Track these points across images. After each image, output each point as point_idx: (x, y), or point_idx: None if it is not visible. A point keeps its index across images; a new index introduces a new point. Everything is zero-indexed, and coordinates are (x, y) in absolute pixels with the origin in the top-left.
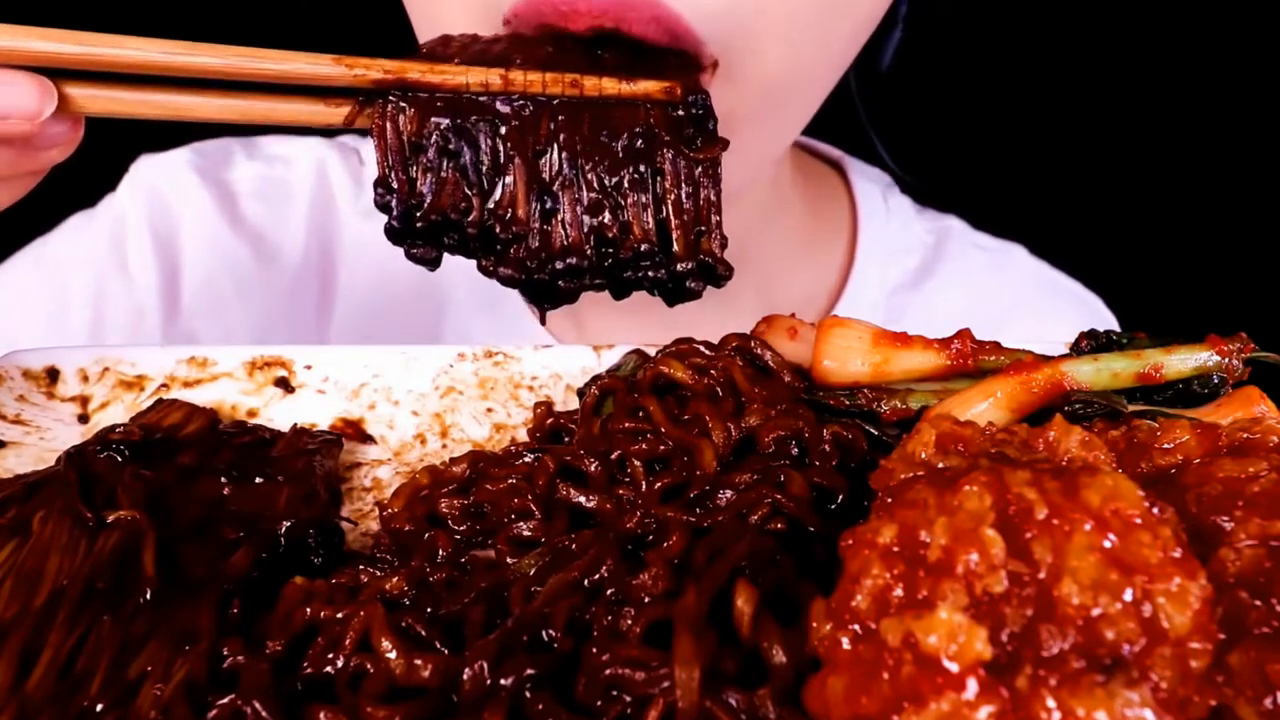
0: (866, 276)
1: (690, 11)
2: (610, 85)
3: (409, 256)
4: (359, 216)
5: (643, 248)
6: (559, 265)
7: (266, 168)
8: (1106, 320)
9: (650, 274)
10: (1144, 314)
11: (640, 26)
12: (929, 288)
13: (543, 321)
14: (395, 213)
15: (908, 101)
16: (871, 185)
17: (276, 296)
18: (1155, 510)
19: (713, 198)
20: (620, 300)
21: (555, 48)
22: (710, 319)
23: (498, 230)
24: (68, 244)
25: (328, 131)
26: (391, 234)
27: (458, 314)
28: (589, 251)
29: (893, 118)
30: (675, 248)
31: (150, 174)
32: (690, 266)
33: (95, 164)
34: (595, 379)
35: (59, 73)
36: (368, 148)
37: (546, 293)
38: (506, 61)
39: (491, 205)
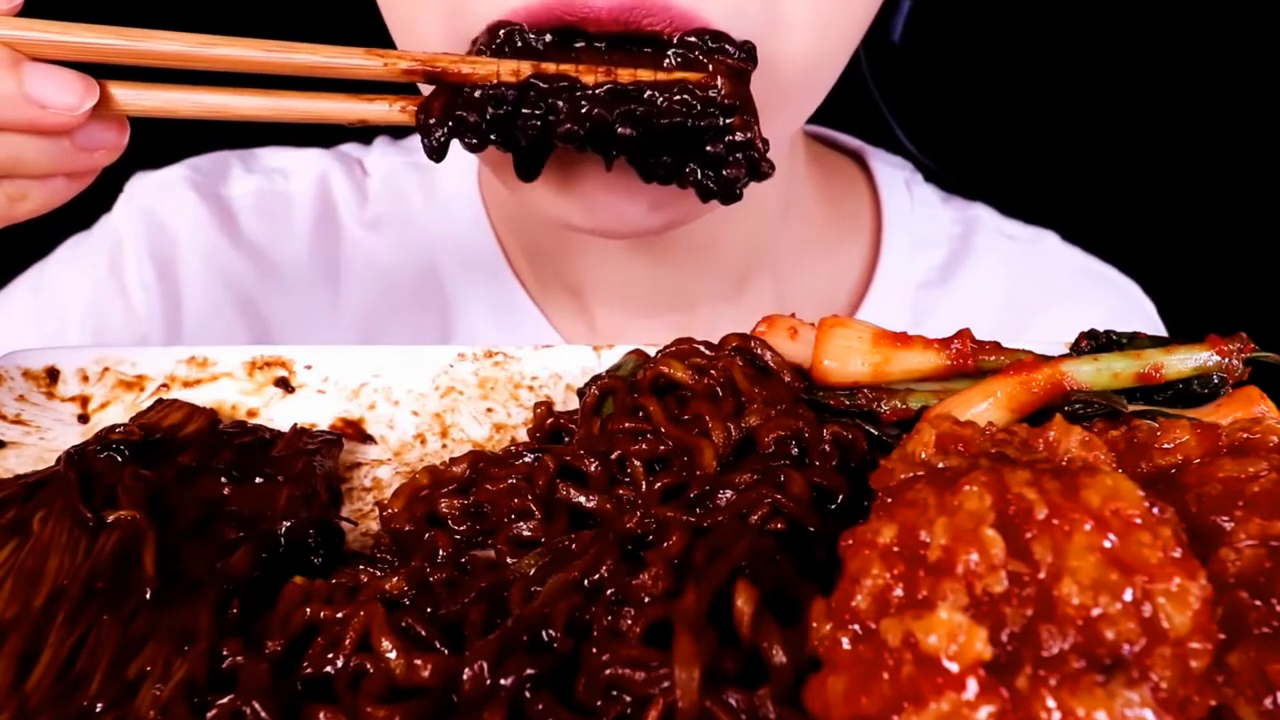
0: (892, 271)
1: (706, 9)
2: (645, 74)
3: (460, 137)
4: (363, 228)
5: (725, 100)
6: (628, 108)
7: (266, 181)
8: (1144, 308)
9: (722, 137)
10: (1182, 298)
11: (654, 25)
12: (958, 281)
13: (608, 166)
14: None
15: (923, 78)
16: (894, 174)
17: (280, 314)
18: (1155, 510)
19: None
20: (652, 171)
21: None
22: (728, 319)
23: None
24: (65, 270)
25: (331, 141)
26: (431, 148)
27: (465, 321)
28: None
29: (908, 96)
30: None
31: (145, 193)
32: (758, 146)
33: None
34: (595, 379)
35: (101, 75)
36: (370, 157)
37: (607, 141)
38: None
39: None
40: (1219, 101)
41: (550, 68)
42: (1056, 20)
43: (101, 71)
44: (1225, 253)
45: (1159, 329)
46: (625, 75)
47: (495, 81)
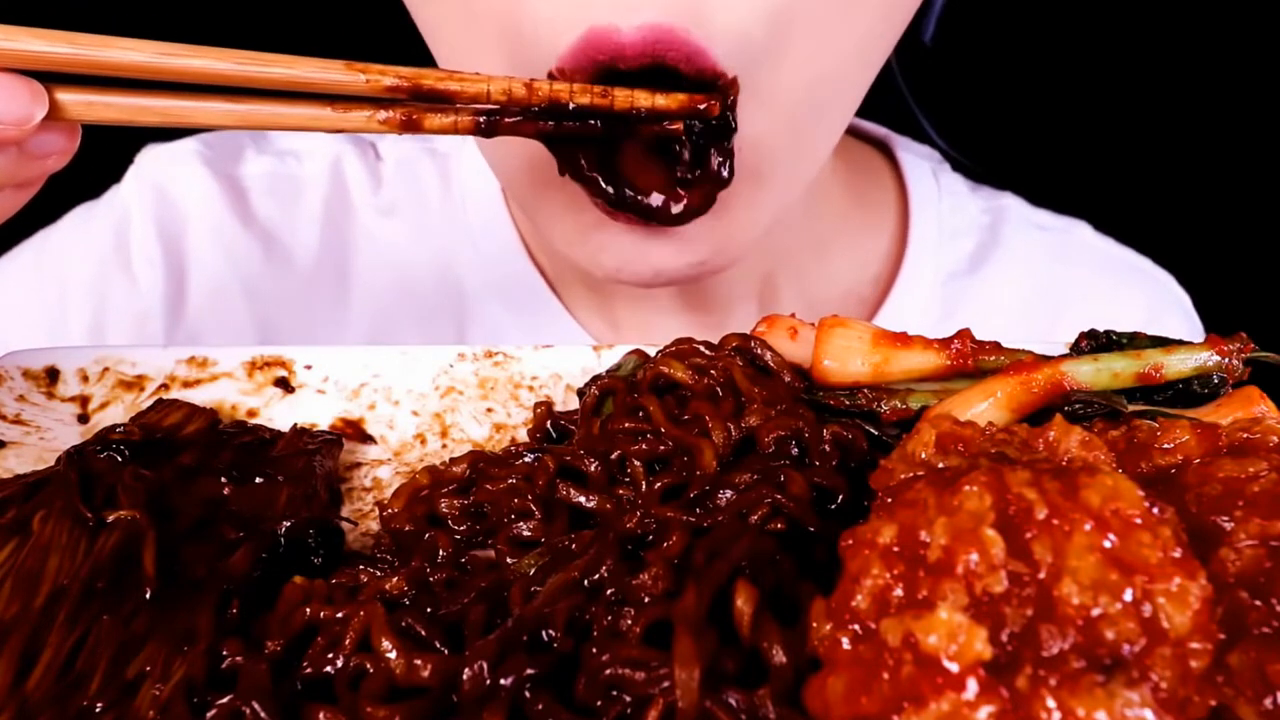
0: (920, 262)
1: (716, 45)
2: (643, 98)
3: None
4: (377, 214)
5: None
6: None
7: (277, 163)
8: (1179, 299)
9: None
10: (1218, 290)
11: (674, 60)
12: (987, 272)
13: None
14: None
15: (954, 74)
16: (921, 165)
17: (288, 299)
18: (1155, 510)
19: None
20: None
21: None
22: (751, 316)
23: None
24: (69, 240)
25: None
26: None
27: (482, 310)
28: None
29: (939, 92)
30: None
31: (156, 166)
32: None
33: (101, 148)
34: (595, 379)
35: (51, 77)
36: (385, 142)
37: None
38: None
39: None
40: (1247, 100)
41: (544, 87)
42: (1089, 18)
43: (53, 74)
44: (1257, 249)
45: (1195, 322)
46: (621, 98)
47: (486, 100)
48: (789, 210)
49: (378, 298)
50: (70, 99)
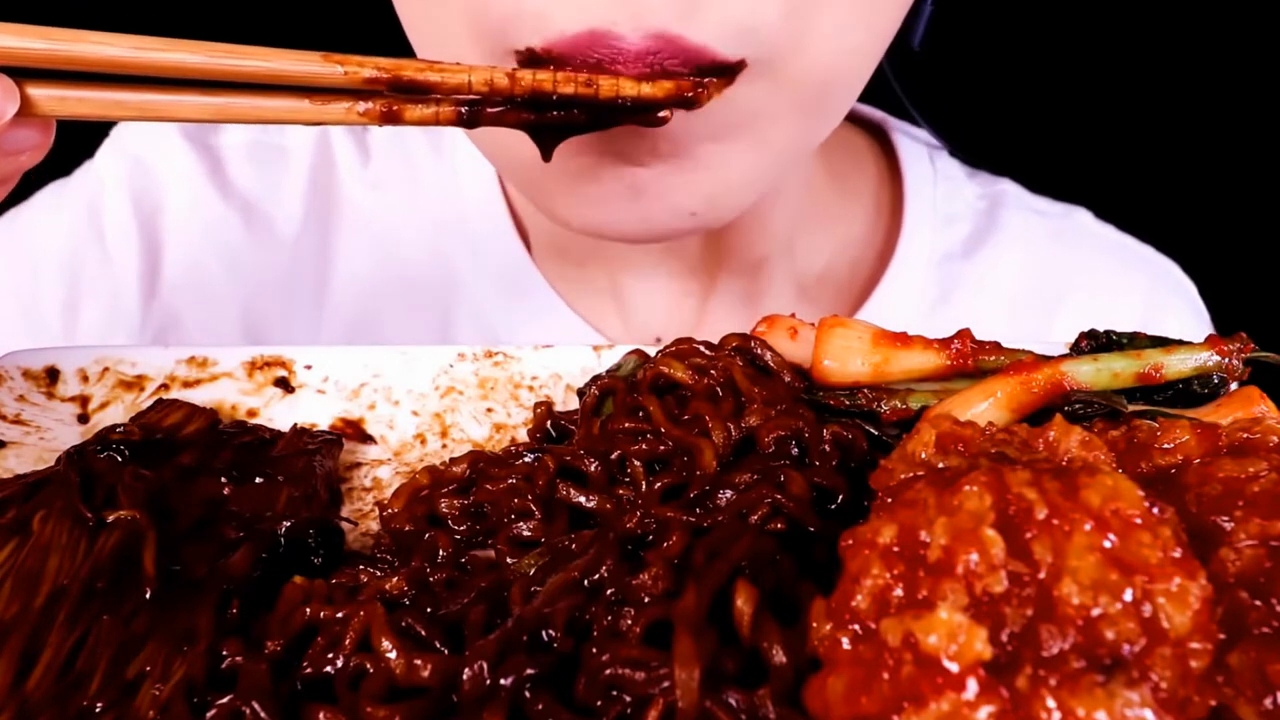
0: (915, 247)
1: (715, 41)
2: (628, 86)
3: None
4: (365, 188)
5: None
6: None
7: (260, 131)
8: (1183, 285)
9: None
10: (1226, 281)
11: (673, 66)
12: (982, 256)
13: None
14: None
15: (949, 76)
16: (917, 149)
17: (268, 272)
18: (1155, 510)
19: None
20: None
21: None
22: (740, 301)
23: None
24: (41, 215)
25: None
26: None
27: (472, 297)
28: None
29: (935, 95)
30: None
31: (132, 138)
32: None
33: (75, 126)
34: (595, 379)
35: (21, 73)
36: None
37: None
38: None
39: None
40: (1245, 98)
41: (526, 76)
42: (1089, 13)
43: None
44: (1261, 245)
45: (1201, 311)
46: (607, 87)
47: (468, 90)
48: (783, 181)
49: (360, 275)
50: (43, 94)
